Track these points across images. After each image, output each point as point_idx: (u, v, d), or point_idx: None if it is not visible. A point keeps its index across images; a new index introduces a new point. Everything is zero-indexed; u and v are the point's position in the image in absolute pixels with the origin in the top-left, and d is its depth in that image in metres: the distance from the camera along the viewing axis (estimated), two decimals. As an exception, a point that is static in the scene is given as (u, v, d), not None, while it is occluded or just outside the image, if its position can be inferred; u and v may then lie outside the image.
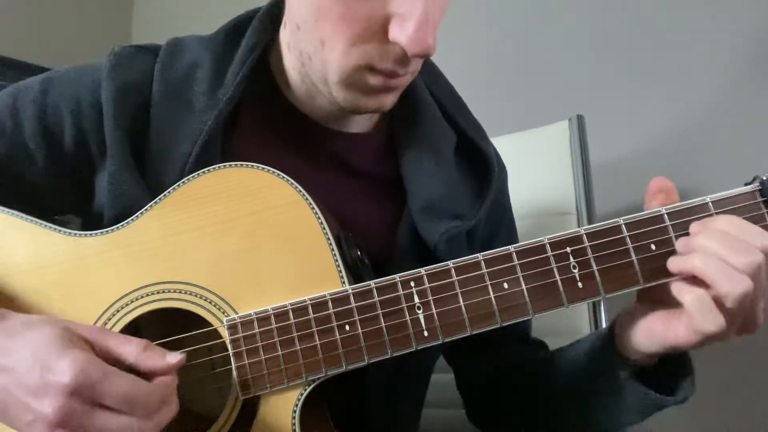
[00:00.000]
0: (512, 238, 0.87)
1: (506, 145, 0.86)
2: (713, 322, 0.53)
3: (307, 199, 0.62)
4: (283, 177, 0.62)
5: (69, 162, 0.69)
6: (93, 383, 0.47)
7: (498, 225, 0.83)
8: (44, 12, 2.16)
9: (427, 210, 0.72)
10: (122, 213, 0.64)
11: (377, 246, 0.70)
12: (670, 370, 0.62)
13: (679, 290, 0.55)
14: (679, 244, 0.56)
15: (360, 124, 0.76)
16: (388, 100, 0.67)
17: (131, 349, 0.53)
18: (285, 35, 0.72)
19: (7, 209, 0.64)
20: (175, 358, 0.53)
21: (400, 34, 0.59)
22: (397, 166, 0.76)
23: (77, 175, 0.69)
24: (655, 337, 0.59)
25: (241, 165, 0.63)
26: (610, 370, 0.64)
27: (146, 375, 0.52)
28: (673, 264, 0.56)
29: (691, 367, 0.62)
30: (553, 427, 0.76)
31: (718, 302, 0.53)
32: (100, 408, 0.48)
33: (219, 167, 0.63)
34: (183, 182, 0.63)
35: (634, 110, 1.38)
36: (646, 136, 1.36)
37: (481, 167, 0.79)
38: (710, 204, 0.57)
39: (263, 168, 0.63)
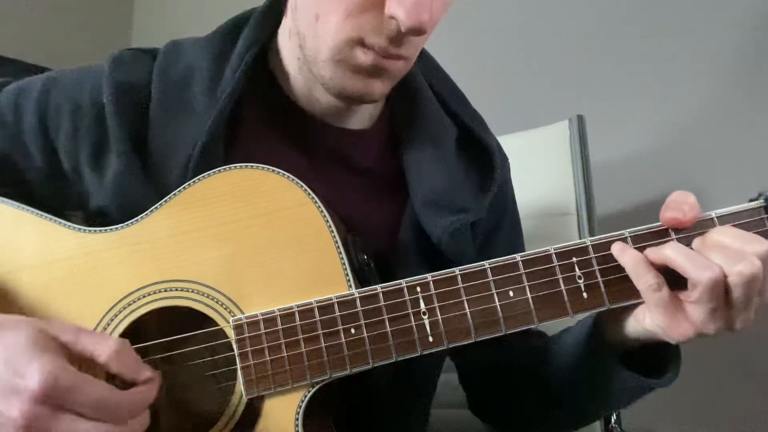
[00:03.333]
0: (516, 231, 0.87)
1: (506, 145, 0.86)
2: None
3: (315, 201, 0.62)
4: (292, 179, 0.62)
5: (66, 161, 0.69)
6: (62, 389, 0.47)
7: (501, 216, 0.83)
8: (44, 12, 2.15)
9: (430, 204, 0.72)
10: (128, 212, 0.64)
11: (380, 241, 0.71)
12: (658, 353, 0.63)
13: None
14: None
15: (360, 121, 0.76)
16: (377, 87, 0.66)
17: (104, 349, 0.52)
18: (287, 23, 0.72)
19: (16, 203, 0.64)
20: (145, 374, 0.54)
21: (398, 7, 0.59)
22: (399, 162, 0.76)
23: (75, 175, 0.69)
24: (633, 324, 0.61)
25: (250, 166, 0.63)
26: (598, 357, 0.65)
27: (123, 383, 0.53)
28: (649, 254, 0.57)
29: (678, 351, 0.63)
30: (551, 414, 0.77)
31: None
32: (69, 413, 0.48)
33: (228, 168, 0.63)
34: (192, 182, 0.63)
35: (634, 110, 1.38)
36: (646, 136, 1.36)
37: (483, 159, 0.79)
38: (715, 219, 0.58)
39: (272, 170, 0.63)
